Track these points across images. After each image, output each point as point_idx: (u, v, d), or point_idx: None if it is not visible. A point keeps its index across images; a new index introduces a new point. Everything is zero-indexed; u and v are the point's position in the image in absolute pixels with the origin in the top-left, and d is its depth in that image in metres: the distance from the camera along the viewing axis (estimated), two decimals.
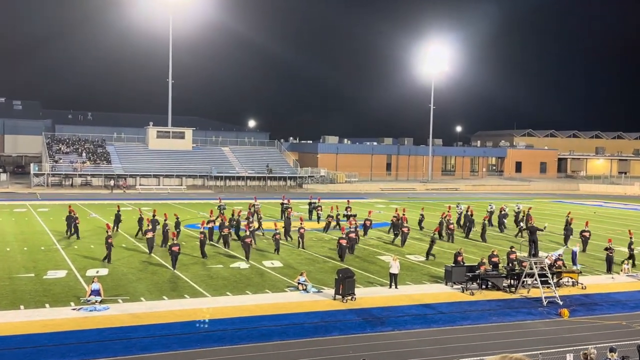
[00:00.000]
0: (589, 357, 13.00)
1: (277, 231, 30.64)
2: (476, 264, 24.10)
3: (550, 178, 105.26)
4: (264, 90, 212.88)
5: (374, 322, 19.16)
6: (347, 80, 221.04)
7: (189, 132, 79.38)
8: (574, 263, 27.40)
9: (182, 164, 73.73)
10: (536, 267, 22.29)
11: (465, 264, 24.21)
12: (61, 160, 69.90)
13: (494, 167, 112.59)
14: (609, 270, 27.35)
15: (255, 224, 34.56)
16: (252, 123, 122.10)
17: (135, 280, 23.94)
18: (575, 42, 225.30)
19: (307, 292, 22.43)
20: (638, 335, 18.03)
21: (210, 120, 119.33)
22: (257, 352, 16.34)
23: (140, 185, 68.70)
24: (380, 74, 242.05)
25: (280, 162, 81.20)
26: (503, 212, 40.09)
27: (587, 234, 32.90)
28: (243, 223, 33.80)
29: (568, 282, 24.53)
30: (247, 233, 28.73)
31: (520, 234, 36.45)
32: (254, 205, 39.57)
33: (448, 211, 38.13)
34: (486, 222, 36.98)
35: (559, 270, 24.54)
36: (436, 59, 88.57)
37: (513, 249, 25.61)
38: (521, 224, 38.09)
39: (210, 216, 33.99)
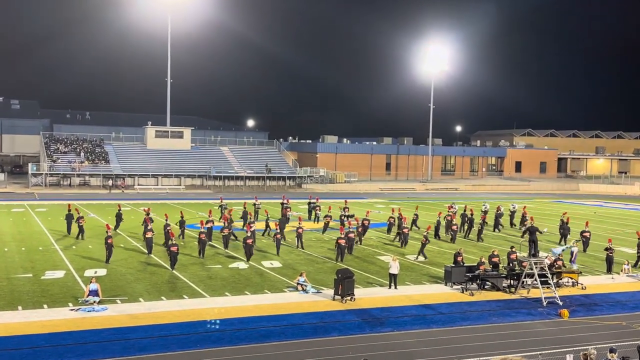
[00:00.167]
0: (588, 358, 12.91)
1: (277, 231, 30.59)
2: (475, 264, 24.05)
3: (550, 178, 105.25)
4: (263, 89, 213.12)
5: (373, 323, 19.09)
6: (346, 80, 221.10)
7: (187, 132, 79.33)
8: (572, 262, 27.31)
9: (180, 163, 73.67)
10: (536, 268, 22.24)
11: (464, 264, 24.15)
12: (59, 160, 69.79)
13: (494, 167, 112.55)
14: (609, 270, 27.31)
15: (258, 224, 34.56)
16: (251, 123, 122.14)
17: (134, 280, 23.87)
18: (575, 42, 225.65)
19: (307, 292, 22.36)
20: (638, 335, 17.96)
21: (209, 119, 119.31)
22: (256, 353, 16.27)
23: (138, 185, 68.63)
24: (380, 74, 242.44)
25: (280, 162, 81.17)
26: (499, 212, 40.09)
27: (587, 234, 32.87)
28: (238, 223, 33.79)
29: (568, 282, 24.49)
30: (249, 234, 28.65)
31: (523, 235, 36.33)
32: (254, 204, 39.55)
33: (448, 211, 38.10)
34: (482, 222, 36.95)
35: (559, 270, 24.49)
36: (436, 59, 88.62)
37: (513, 249, 25.60)
38: (522, 225, 37.98)
39: (210, 216, 33.92)
